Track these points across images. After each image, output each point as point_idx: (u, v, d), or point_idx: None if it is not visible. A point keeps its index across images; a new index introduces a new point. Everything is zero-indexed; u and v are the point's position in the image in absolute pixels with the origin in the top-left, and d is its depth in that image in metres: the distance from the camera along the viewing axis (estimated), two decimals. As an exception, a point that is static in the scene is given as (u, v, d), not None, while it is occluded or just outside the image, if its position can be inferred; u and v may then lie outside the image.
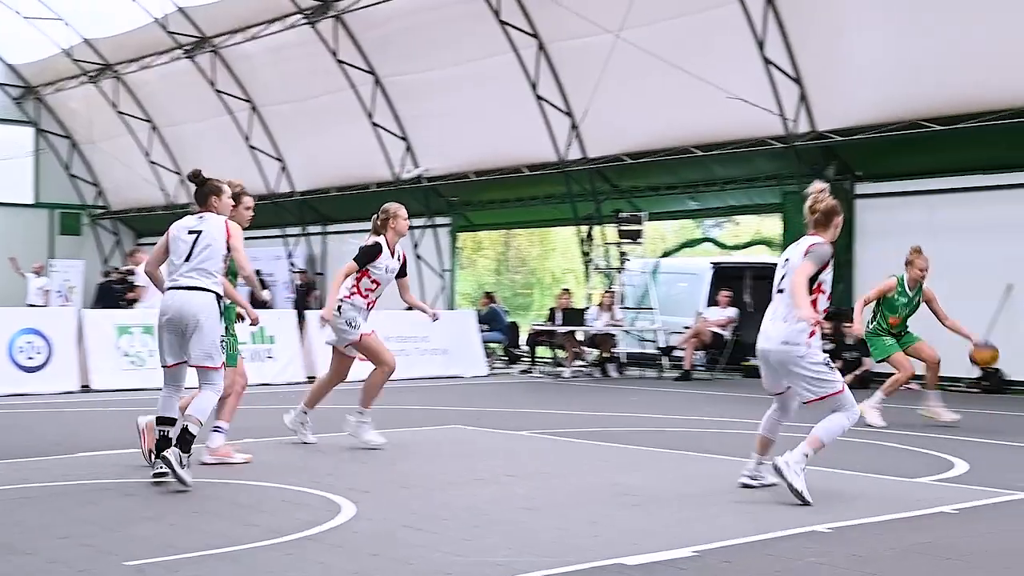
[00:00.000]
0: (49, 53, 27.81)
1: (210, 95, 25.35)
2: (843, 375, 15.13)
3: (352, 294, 8.59)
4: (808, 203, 6.69)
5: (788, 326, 6.50)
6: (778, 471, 6.34)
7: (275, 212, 26.10)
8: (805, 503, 6.21)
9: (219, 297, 7.00)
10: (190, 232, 7.07)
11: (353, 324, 8.50)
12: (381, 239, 8.75)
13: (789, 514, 6.08)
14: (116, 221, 31.56)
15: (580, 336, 18.16)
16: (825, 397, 6.48)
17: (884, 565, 4.99)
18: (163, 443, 6.78)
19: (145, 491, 6.67)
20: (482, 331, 18.35)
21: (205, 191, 7.27)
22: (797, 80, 16.54)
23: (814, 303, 6.47)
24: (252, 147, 25.61)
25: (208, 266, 6.98)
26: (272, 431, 9.35)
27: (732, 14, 16.51)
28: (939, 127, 15.16)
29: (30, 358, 13.41)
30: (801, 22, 16.22)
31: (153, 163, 28.53)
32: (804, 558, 5.10)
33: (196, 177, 7.32)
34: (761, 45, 16.42)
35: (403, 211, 8.86)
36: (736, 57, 16.71)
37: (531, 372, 18.48)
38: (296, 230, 26.41)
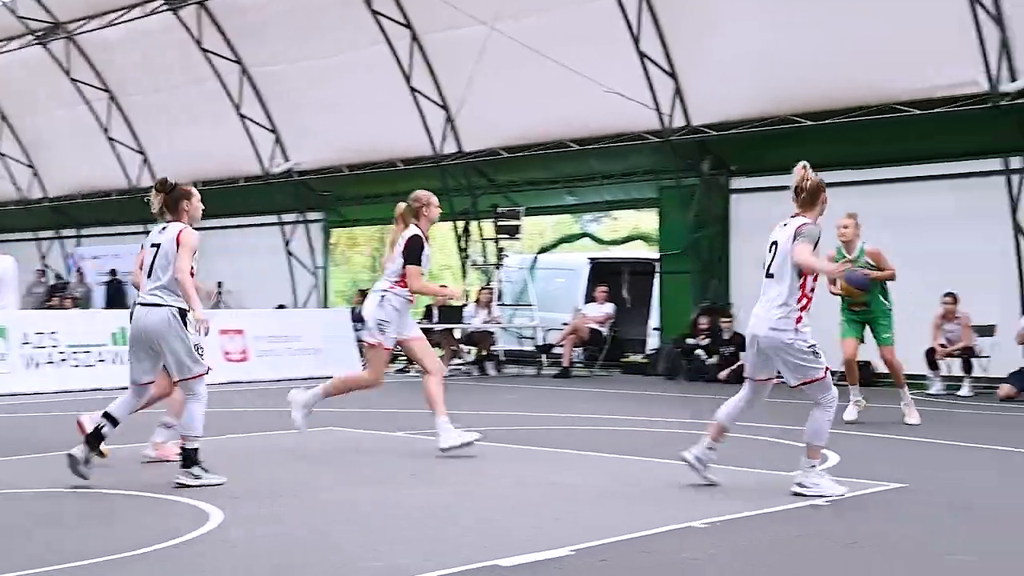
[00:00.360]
0: None
1: (65, 84, 24.53)
2: (719, 370, 15.55)
3: (394, 286, 8.43)
4: (793, 183, 6.83)
5: (778, 311, 6.63)
6: (801, 494, 6.53)
7: (135, 207, 25.37)
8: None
9: (182, 310, 6.95)
10: (152, 245, 7.10)
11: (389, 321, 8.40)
12: (417, 229, 8.51)
13: (665, 510, 6.19)
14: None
15: (458, 334, 18.15)
16: (808, 383, 6.65)
17: (761, 556, 5.13)
18: (96, 436, 6.95)
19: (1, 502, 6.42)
20: (356, 330, 18.18)
21: (175, 197, 7.22)
22: (672, 74, 16.84)
23: (804, 286, 6.64)
24: (111, 139, 24.88)
25: (165, 280, 6.95)
26: (133, 435, 9.06)
27: (607, 7, 16.73)
28: (810, 122, 15.64)
29: None
30: (675, 15, 16.53)
31: (2, 155, 27.45)
32: (679, 553, 5.21)
33: (164, 185, 7.27)
34: (636, 39, 16.68)
35: (435, 198, 8.76)
36: (612, 50, 16.93)
37: (407, 371, 18.40)
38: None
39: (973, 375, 14.00)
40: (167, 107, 23.60)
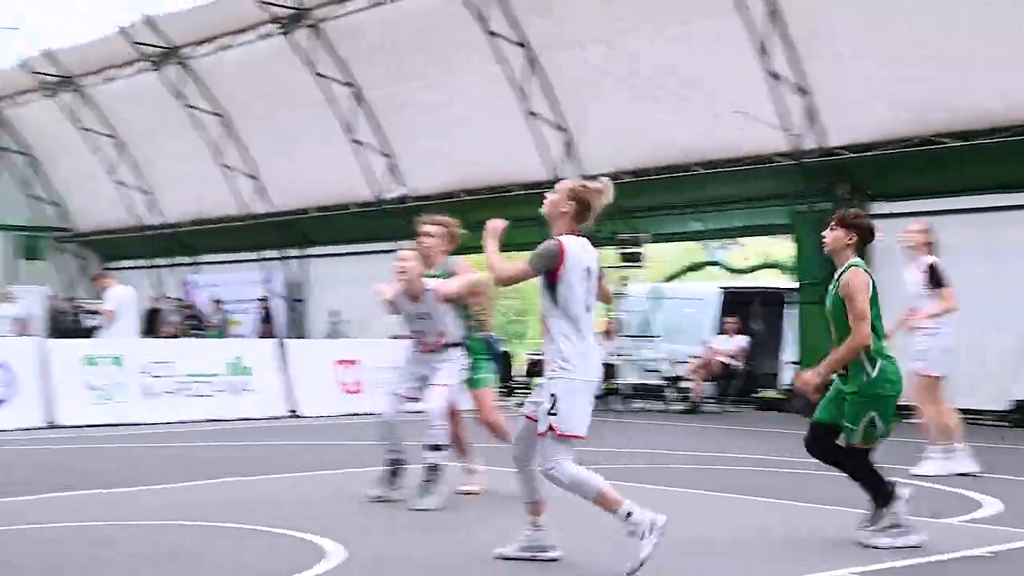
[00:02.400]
0: (5, 65, 27.89)
1: (179, 109, 25.46)
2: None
3: None
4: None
5: None
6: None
7: (250, 234, 26.18)
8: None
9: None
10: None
11: None
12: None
13: (809, 559, 6.14)
14: (81, 244, 31.59)
15: (578, 366, 18.17)
16: None
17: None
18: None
19: (106, 534, 6.70)
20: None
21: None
22: (803, 92, 16.69)
23: None
24: (224, 165, 25.70)
25: None
26: (251, 468, 9.37)
27: (733, 22, 16.65)
28: (956, 143, 15.24)
29: (-8, 391, 13.42)
30: (806, 29, 16.34)
31: (119, 182, 28.59)
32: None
33: None
34: (764, 56, 16.58)
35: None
36: (738, 68, 16.83)
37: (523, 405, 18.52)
38: (274, 253, 26.48)
39: None
40: (280, 132, 24.30)
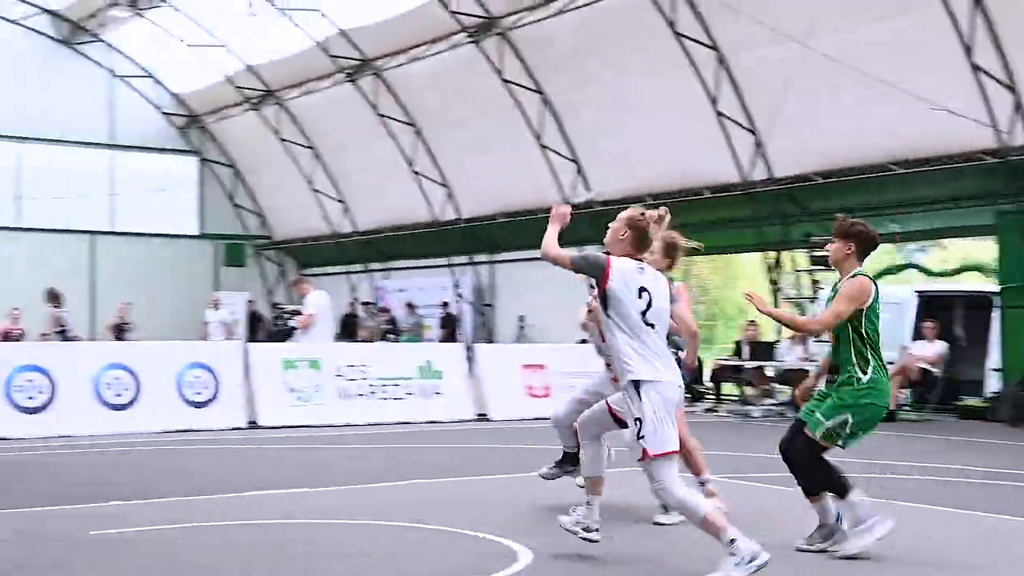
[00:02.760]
0: (212, 81, 29.31)
1: (373, 119, 26.20)
2: None
3: None
4: None
5: None
6: None
7: (440, 240, 26.72)
8: None
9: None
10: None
11: None
12: None
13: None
14: (280, 251, 32.89)
15: (770, 372, 17.87)
16: None
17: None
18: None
19: (311, 532, 6.94)
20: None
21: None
22: (1011, 87, 15.94)
23: None
24: (416, 172, 26.31)
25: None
26: (441, 470, 9.54)
27: (934, 16, 16.07)
28: None
29: (198, 393, 14.08)
30: (1014, 21, 15.64)
31: (316, 191, 29.63)
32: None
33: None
34: (968, 49, 15.92)
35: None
36: (939, 63, 16.24)
37: (716, 411, 18.29)
38: (463, 259, 26.94)
39: None
40: (469, 139, 24.72)
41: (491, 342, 25.10)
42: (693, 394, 20.00)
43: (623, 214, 6.17)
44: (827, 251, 6.69)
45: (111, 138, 30.97)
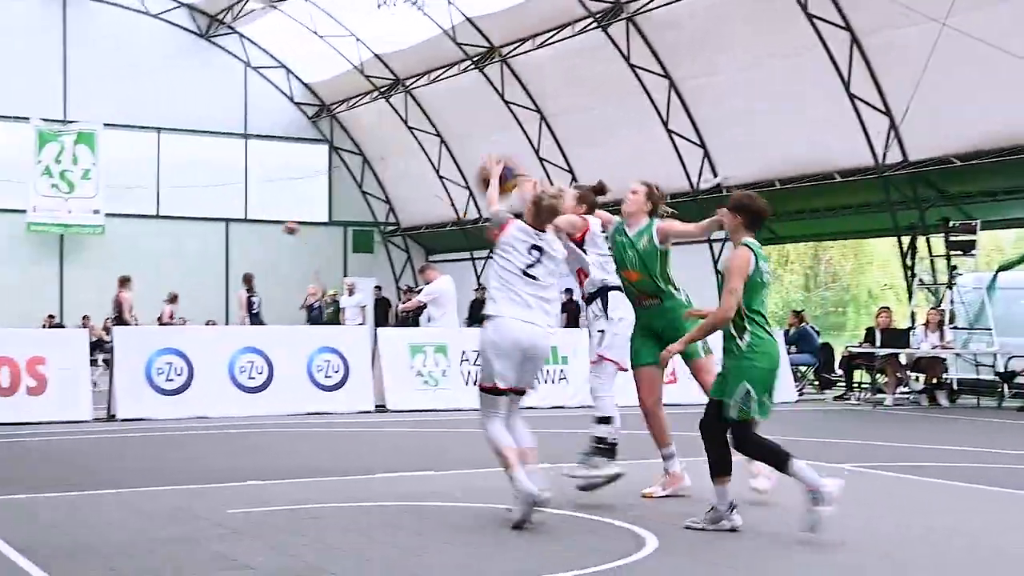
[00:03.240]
0: (342, 70, 29.82)
1: (499, 106, 26.32)
2: None
3: None
4: None
5: None
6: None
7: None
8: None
9: None
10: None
11: None
12: None
13: None
14: (407, 238, 33.32)
15: (903, 360, 17.44)
16: None
17: None
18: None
19: (440, 514, 7.03)
20: (790, 353, 18.00)
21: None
22: None
23: None
24: (541, 159, 26.35)
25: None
26: (563, 456, 9.55)
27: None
28: None
29: (328, 376, 14.38)
30: None
31: (442, 178, 29.92)
32: None
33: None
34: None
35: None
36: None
37: (847, 398, 17.93)
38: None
39: None
40: (594, 125, 24.65)
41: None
42: (822, 382, 19.67)
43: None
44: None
45: (245, 128, 31.79)
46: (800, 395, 17.78)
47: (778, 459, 6.41)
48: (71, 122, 29.27)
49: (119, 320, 19.17)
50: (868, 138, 19.35)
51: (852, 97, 19.15)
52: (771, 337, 6.60)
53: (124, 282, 19.78)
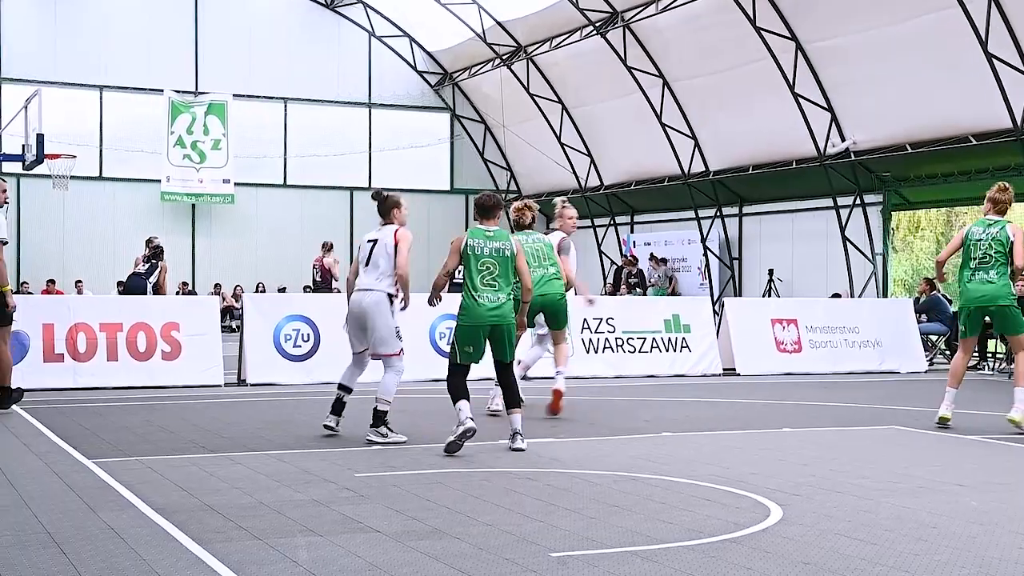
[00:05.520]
0: (463, 38, 29.92)
1: (621, 72, 26.12)
2: None
3: None
4: None
5: None
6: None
7: (687, 193, 26.46)
8: None
9: (390, 295, 8.70)
10: (369, 241, 8.84)
11: None
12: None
13: None
14: (527, 206, 33.32)
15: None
16: None
17: None
18: (337, 404, 9.03)
19: (567, 482, 7.07)
20: (920, 322, 17.56)
21: (388, 206, 8.85)
22: None
23: None
24: (664, 125, 26.08)
25: (381, 270, 8.68)
26: (683, 424, 9.50)
27: None
28: None
29: (449, 343, 14.49)
30: None
31: (564, 145, 29.85)
32: None
33: (378, 196, 8.99)
34: None
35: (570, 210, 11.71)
36: None
37: (980, 368, 17.43)
38: (710, 212, 26.59)
39: None
40: (719, 90, 24.29)
41: (739, 295, 24.74)
42: (953, 351, 19.11)
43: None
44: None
45: (369, 97, 32.17)
46: (930, 365, 17.34)
47: (457, 395, 8.43)
48: (202, 93, 30.02)
49: (322, 284, 20.14)
50: (1007, 99, 18.66)
51: (989, 56, 18.48)
52: (475, 302, 8.30)
53: (328, 248, 21.10)
